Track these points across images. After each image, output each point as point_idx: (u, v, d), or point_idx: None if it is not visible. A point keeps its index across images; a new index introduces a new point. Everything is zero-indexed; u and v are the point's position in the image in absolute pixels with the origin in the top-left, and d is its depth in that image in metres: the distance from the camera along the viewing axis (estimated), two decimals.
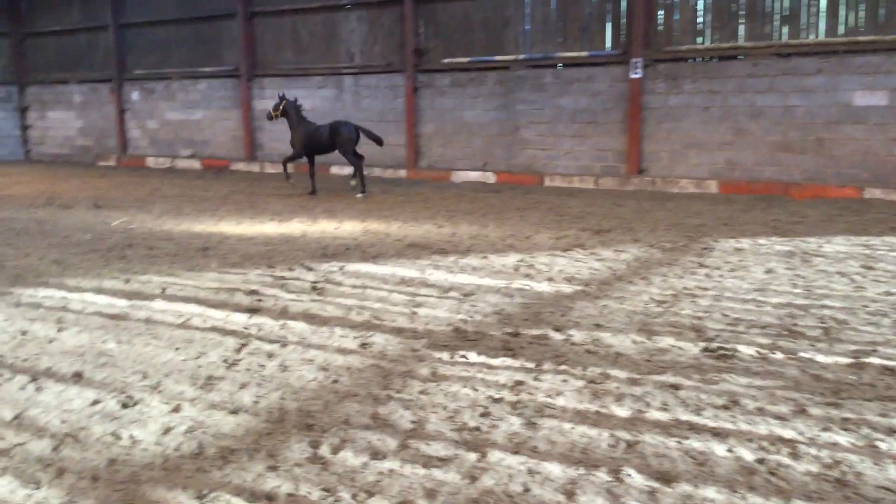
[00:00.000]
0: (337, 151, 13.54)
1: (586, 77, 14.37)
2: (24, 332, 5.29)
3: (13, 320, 5.58)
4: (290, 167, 14.53)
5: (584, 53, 14.43)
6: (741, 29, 13.19)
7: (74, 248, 8.60)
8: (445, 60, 15.90)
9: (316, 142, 13.55)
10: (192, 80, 19.61)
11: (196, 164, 19.58)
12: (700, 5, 13.51)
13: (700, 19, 13.55)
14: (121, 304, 6.05)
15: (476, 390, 4.22)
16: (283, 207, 12.21)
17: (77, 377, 4.43)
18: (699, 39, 13.61)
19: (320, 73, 17.56)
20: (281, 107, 13.83)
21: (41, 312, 5.80)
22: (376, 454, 3.43)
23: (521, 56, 15.03)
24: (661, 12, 13.82)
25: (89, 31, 21.45)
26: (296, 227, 10.19)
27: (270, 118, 14.08)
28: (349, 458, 3.40)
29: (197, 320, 5.59)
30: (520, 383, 4.31)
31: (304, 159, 14.01)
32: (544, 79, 14.80)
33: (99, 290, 6.48)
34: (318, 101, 17.66)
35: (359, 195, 13.34)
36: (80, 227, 10.20)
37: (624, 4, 14.03)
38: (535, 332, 5.29)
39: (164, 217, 11.15)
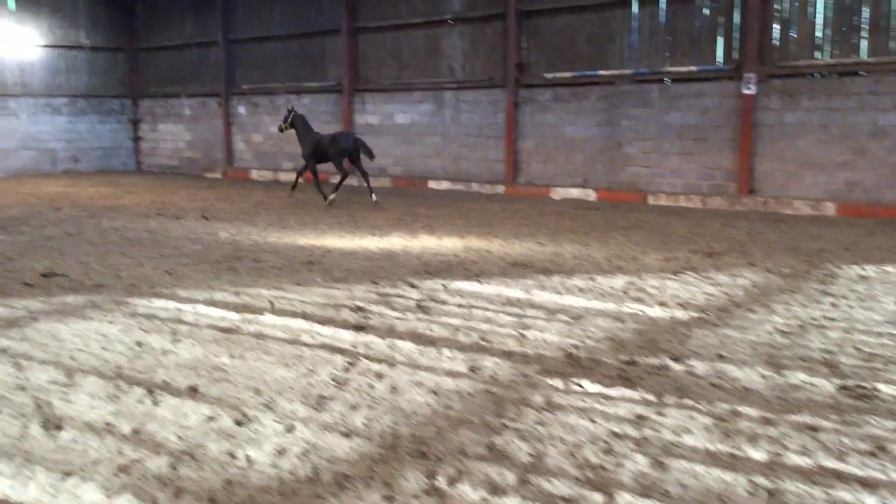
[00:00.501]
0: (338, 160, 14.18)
1: (695, 92, 13.90)
2: (140, 344, 5.39)
3: (130, 331, 5.70)
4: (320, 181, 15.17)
5: (693, 68, 13.97)
6: (863, 44, 12.50)
7: (185, 258, 8.81)
8: (547, 75, 15.71)
9: (321, 151, 14.41)
10: (296, 94, 20.07)
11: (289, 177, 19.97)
12: (819, 19, 12.88)
13: (818, 34, 12.90)
14: (232, 317, 6.11)
15: (595, 423, 4.01)
16: (382, 222, 12.25)
17: (193, 391, 4.46)
18: (817, 55, 12.96)
19: (420, 88, 17.66)
20: (290, 119, 14.99)
21: (156, 324, 5.91)
22: (495, 489, 3.28)
23: (627, 71, 14.70)
24: (776, 26, 13.24)
25: (200, 47, 22.30)
26: (396, 242, 10.19)
27: (281, 130, 15.35)
28: (467, 492, 3.26)
29: (306, 336, 5.58)
30: (642, 418, 4.07)
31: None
32: (650, 94, 14.41)
33: (211, 303, 6.58)
34: (418, 116, 17.77)
35: (330, 197, 14.16)
36: (189, 237, 10.48)
37: (737, 18, 13.52)
38: (652, 361, 5.04)
39: (268, 229, 11.34)
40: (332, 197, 14.18)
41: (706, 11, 13.83)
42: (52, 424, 3.95)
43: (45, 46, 22.30)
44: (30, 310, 6.34)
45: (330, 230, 11.23)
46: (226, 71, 21.51)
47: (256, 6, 20.65)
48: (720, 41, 13.76)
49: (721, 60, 13.78)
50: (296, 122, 15.00)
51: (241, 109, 21.51)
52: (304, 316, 6.15)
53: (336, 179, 14.75)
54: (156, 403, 4.27)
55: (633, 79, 14.61)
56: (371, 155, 14.19)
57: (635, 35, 14.65)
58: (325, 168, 15.34)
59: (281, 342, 5.45)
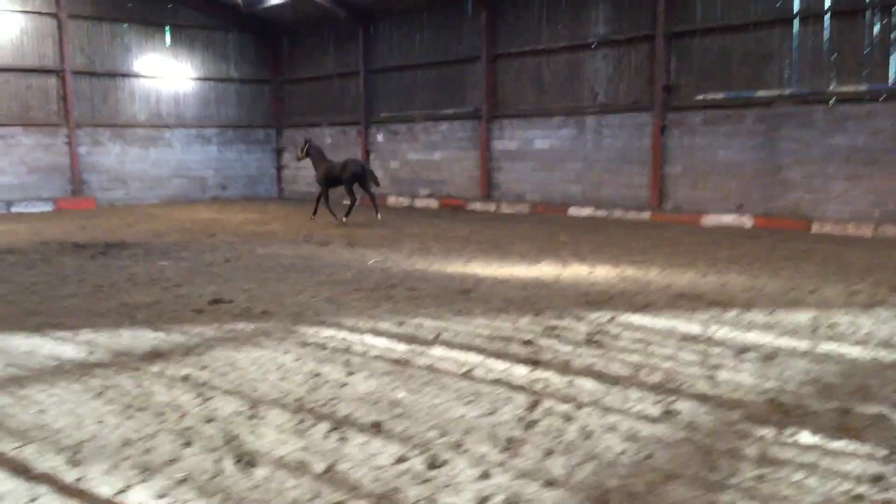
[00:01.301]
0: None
1: (865, 113, 12.90)
2: (316, 374, 5.33)
3: (304, 361, 5.67)
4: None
5: (862, 88, 12.99)
6: None
7: (341, 286, 8.84)
8: (698, 97, 15.06)
9: (333, 176, 15.95)
10: (433, 121, 20.25)
11: (433, 204, 20.10)
12: None
13: None
14: (400, 348, 5.98)
15: (825, 481, 3.56)
16: (527, 248, 12.00)
17: (376, 428, 4.31)
18: None
19: (561, 112, 17.38)
20: (306, 148, 16.60)
21: (327, 354, 5.86)
22: None
23: (787, 91, 13.85)
24: None
25: (341, 78, 22.93)
26: (546, 270, 9.89)
27: (298, 159, 17.12)
28: None
29: (479, 371, 5.37)
30: (879, 478, 3.59)
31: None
32: (813, 115, 13.50)
33: (376, 332, 6.50)
34: (557, 141, 17.48)
35: (344, 219, 15.80)
36: (340, 264, 10.57)
37: None
38: (870, 409, 4.51)
39: (414, 256, 11.31)
40: (344, 219, 15.72)
41: (877, 28, 12.85)
42: (245, 461, 3.88)
43: (198, 79, 23.56)
44: (204, 336, 6.45)
45: (476, 258, 11.07)
46: (365, 100, 21.99)
47: (396, 37, 21.04)
48: (893, 59, 12.72)
49: (894, 79, 12.74)
50: (311, 151, 16.62)
51: (380, 137, 21.91)
52: (473, 349, 5.94)
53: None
54: (343, 440, 4.15)
55: (794, 100, 13.74)
56: (377, 182, 16.19)
57: (796, 54, 13.80)
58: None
59: (454, 377, 5.26)
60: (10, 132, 20.27)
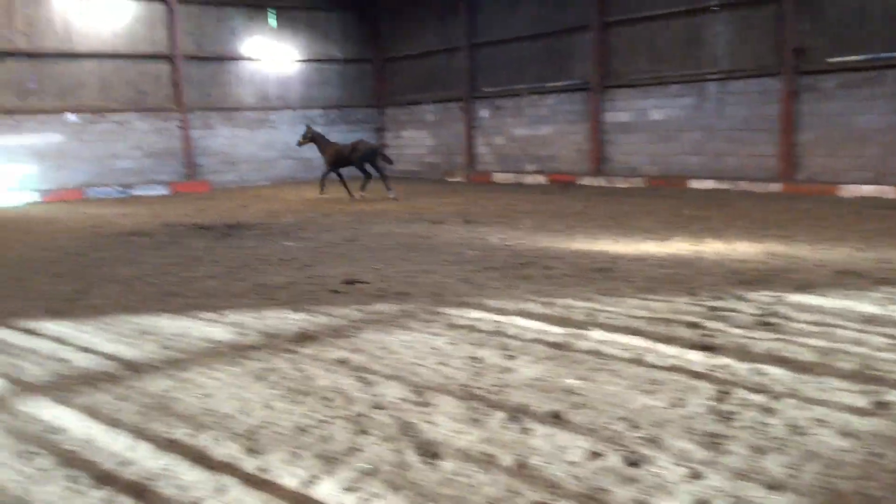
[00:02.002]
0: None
1: None
2: (474, 359, 5.08)
3: (458, 344, 5.43)
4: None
5: None
6: None
7: (469, 265, 8.59)
8: (832, 60, 14.06)
9: (343, 158, 17.04)
10: (540, 95, 19.74)
11: (541, 180, 19.65)
12: None
13: None
14: (555, 331, 5.67)
15: None
16: (652, 224, 11.49)
17: (556, 419, 4.02)
18: None
19: (678, 80, 16.61)
20: (308, 135, 17.69)
21: (481, 336, 5.60)
22: None
23: None
24: None
25: (443, 53, 22.63)
26: (681, 247, 9.38)
27: (300, 144, 18.20)
28: None
29: (650, 357, 5.00)
30: None
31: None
32: None
33: (524, 314, 6.21)
34: (675, 111, 16.73)
35: (359, 194, 16.98)
36: (461, 243, 10.33)
37: None
38: None
39: (535, 234, 10.97)
40: (360, 194, 16.89)
41: None
42: (428, 451, 3.66)
43: (302, 61, 23.72)
44: (349, 318, 6.31)
45: (600, 234, 10.65)
46: (469, 75, 21.65)
47: (500, 9, 20.57)
48: None
49: None
50: (315, 136, 17.73)
51: (484, 113, 21.55)
52: (635, 332, 5.57)
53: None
54: (524, 431, 3.87)
55: None
56: (389, 160, 17.56)
57: None
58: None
59: (623, 362, 4.91)
60: (126, 118, 20.89)
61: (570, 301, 6.60)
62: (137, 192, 20.73)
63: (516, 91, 20.41)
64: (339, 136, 24.27)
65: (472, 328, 5.83)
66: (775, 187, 14.81)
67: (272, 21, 23.04)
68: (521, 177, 20.17)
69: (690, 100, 16.42)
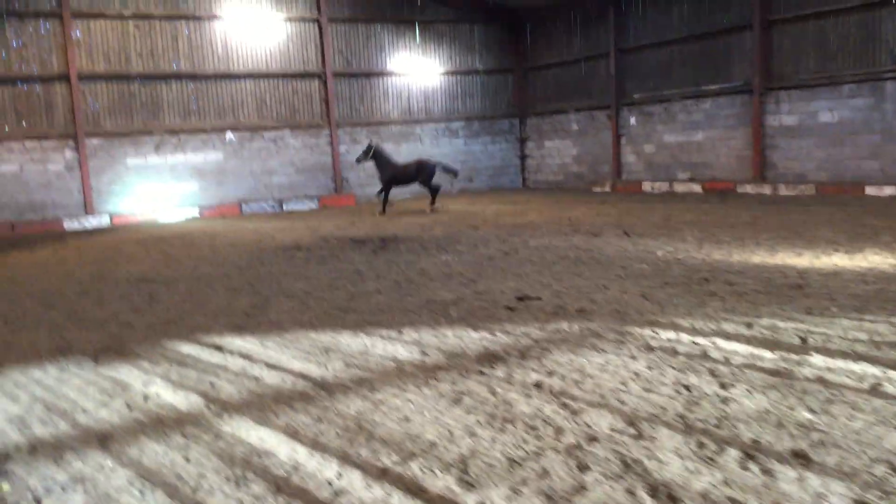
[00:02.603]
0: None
1: None
2: (684, 386, 4.67)
3: (661, 369, 5.03)
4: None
5: None
6: None
7: (644, 280, 8.14)
8: None
9: (402, 176, 17.98)
10: (694, 99, 18.88)
11: (695, 188, 18.76)
12: None
13: None
14: (767, 355, 5.17)
15: None
16: (834, 235, 10.61)
17: (801, 459, 3.57)
18: None
19: (852, 80, 15.40)
20: (370, 152, 17.87)
21: (683, 361, 5.18)
22: None
23: None
24: None
25: (588, 60, 22.15)
26: (876, 259, 8.54)
27: (359, 161, 18.45)
28: None
29: (889, 387, 4.43)
30: None
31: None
32: None
33: (724, 335, 5.72)
34: (848, 112, 15.52)
35: (430, 209, 17.86)
36: (626, 256, 9.87)
37: None
38: None
39: (704, 246, 10.34)
40: (434, 207, 17.92)
41: None
42: (665, 495, 3.31)
43: (445, 73, 23.86)
44: (531, 337, 6.03)
45: (778, 246, 9.92)
46: (616, 82, 21.04)
47: (651, 13, 19.88)
48: None
49: None
50: (376, 153, 17.94)
51: (632, 120, 20.87)
52: (862, 357, 4.99)
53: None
54: (767, 473, 3.45)
55: None
56: (455, 172, 18.95)
57: None
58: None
59: (860, 393, 4.37)
60: (280, 135, 21.67)
61: (773, 321, 6.04)
62: (289, 206, 21.42)
63: (668, 96, 19.61)
64: (481, 147, 24.35)
65: (671, 351, 5.42)
66: None
67: (417, 36, 23.30)
68: (673, 185, 19.35)
69: (866, 100, 15.17)
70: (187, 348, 6.40)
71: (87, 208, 19.42)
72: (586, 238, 11.94)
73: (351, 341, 6.29)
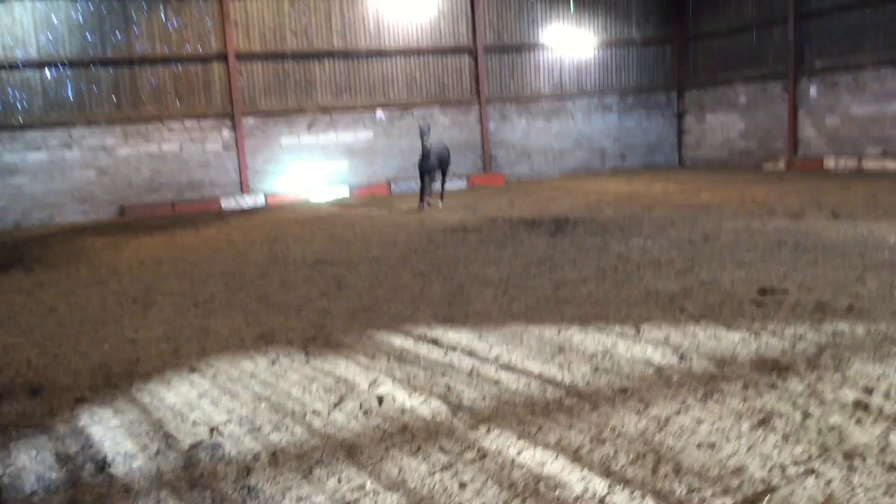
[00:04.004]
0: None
1: None
2: None
3: None
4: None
5: None
6: None
7: None
8: None
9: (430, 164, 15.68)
10: (890, 67, 16.90)
11: (890, 165, 16.86)
12: None
13: None
14: None
15: None
16: None
17: None
18: None
19: None
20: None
21: None
22: None
23: None
24: None
25: (760, 27, 20.35)
26: None
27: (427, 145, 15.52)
28: None
29: None
30: None
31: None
32: None
33: None
34: None
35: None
36: (851, 241, 8.66)
37: None
38: None
39: None
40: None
41: None
42: None
43: (599, 45, 22.64)
44: (809, 340, 5.08)
45: None
46: (794, 49, 19.20)
47: None
48: None
49: None
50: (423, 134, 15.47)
51: (813, 91, 19.01)
52: None
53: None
54: None
55: None
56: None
57: None
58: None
59: None
60: (429, 112, 21.16)
61: None
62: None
63: (857, 64, 17.64)
64: (635, 122, 23.05)
65: None
66: None
67: (571, 6, 22.18)
68: (862, 162, 17.47)
69: None
70: (400, 341, 5.84)
71: (243, 187, 19.60)
72: (789, 220, 10.71)
73: (584, 339, 5.53)
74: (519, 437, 3.88)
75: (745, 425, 3.82)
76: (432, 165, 15.81)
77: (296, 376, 5.15)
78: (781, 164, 19.57)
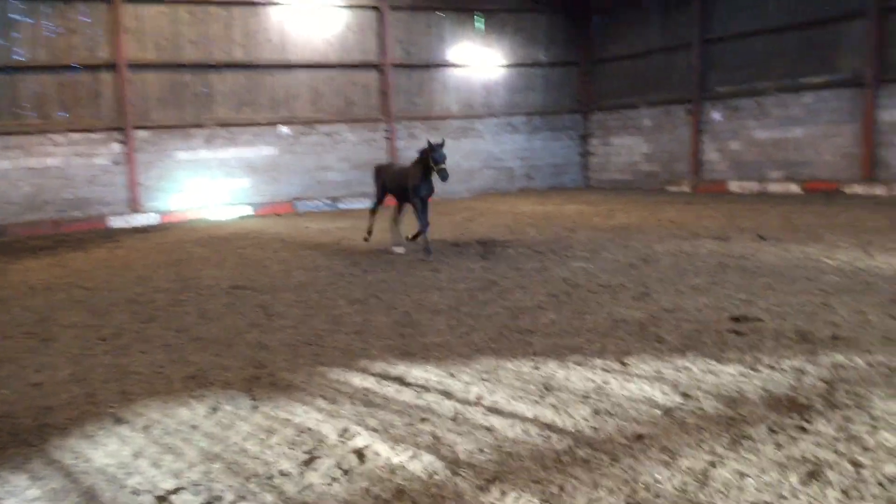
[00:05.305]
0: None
1: None
2: None
3: None
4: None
5: None
6: None
7: (859, 295, 6.86)
8: None
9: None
10: (792, 93, 17.45)
11: (793, 188, 17.40)
12: None
13: None
14: None
15: None
16: None
17: None
18: None
19: None
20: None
21: None
22: None
23: None
24: None
25: (665, 52, 20.74)
26: None
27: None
28: None
29: None
30: None
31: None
32: None
33: None
34: None
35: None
36: (794, 264, 8.61)
37: None
38: None
39: (874, 252, 9.05)
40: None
41: None
42: None
43: (507, 66, 22.54)
44: (815, 375, 4.74)
45: None
46: (698, 74, 19.63)
47: (742, 0, 18.44)
48: None
49: None
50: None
51: (716, 115, 19.47)
52: None
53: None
54: None
55: None
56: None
57: None
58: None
59: None
60: (336, 129, 20.41)
61: None
62: (344, 204, 20.15)
63: (760, 89, 18.17)
64: (542, 143, 23.10)
65: None
66: None
67: (479, 25, 22.00)
68: (765, 185, 17.98)
69: None
70: (359, 380, 5.14)
71: (134, 205, 18.19)
72: (718, 243, 10.65)
73: (568, 375, 5.02)
74: (542, 502, 3.29)
75: (794, 478, 3.37)
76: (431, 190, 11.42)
77: (247, 427, 4.38)
78: (685, 187, 19.95)
